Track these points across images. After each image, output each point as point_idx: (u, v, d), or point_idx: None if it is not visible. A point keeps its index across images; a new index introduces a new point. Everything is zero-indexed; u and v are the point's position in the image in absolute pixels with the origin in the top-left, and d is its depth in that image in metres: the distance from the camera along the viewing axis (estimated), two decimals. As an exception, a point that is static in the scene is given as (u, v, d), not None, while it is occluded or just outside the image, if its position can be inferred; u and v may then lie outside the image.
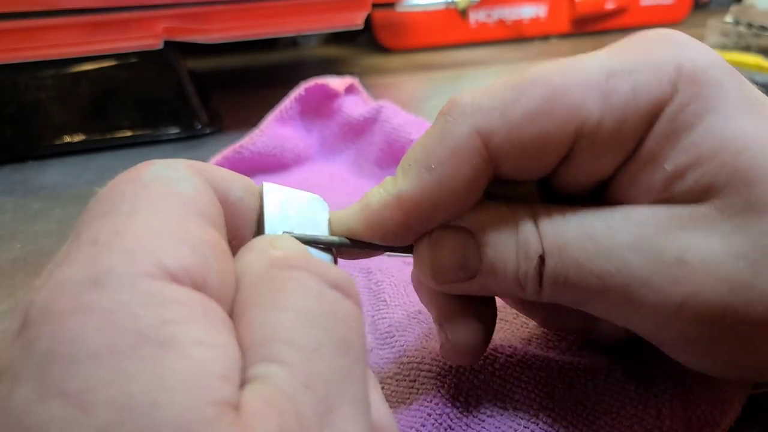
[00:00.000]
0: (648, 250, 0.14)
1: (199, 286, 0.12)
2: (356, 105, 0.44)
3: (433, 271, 0.17)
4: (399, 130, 0.40)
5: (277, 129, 0.43)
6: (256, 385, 0.11)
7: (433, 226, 0.17)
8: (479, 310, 0.19)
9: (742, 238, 0.14)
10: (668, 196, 0.15)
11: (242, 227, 0.16)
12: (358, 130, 0.43)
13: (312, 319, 0.12)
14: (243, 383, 0.11)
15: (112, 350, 0.10)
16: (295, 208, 0.17)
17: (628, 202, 0.16)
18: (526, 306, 0.22)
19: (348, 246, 0.17)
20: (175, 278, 0.11)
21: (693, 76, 0.15)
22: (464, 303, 0.18)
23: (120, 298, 0.10)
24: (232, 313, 0.12)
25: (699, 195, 0.15)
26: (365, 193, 0.17)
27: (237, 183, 0.16)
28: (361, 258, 0.19)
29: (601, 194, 0.17)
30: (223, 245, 0.13)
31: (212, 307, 0.11)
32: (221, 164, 0.40)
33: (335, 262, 0.17)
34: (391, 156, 0.41)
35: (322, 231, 0.17)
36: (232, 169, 0.46)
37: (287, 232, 0.16)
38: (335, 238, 0.17)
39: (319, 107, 0.45)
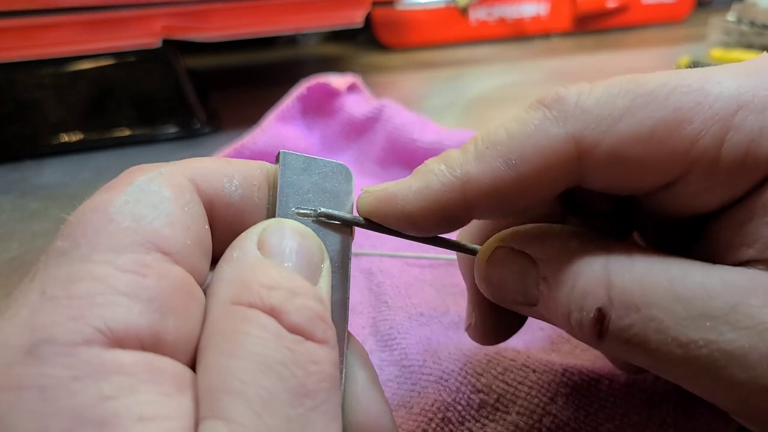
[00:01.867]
0: (746, 323, 0.13)
1: (150, 345, 0.11)
2: (358, 104, 0.44)
3: (492, 291, 0.16)
4: (401, 129, 0.40)
5: (278, 127, 0.43)
6: None
7: (495, 217, 0.15)
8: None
9: None
10: (760, 258, 0.13)
11: (250, 221, 0.14)
12: (360, 129, 0.43)
13: (266, 366, 0.11)
14: None
15: None
16: (314, 179, 0.15)
17: (726, 251, 0.14)
18: None
19: (365, 227, 0.16)
20: (120, 342, 0.10)
21: None
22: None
23: (56, 373, 0.10)
24: (196, 350, 0.12)
25: None
26: (420, 166, 0.15)
27: (236, 179, 0.14)
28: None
29: (695, 231, 0.15)
30: (188, 286, 0.12)
31: (163, 368, 0.11)
32: None
33: (352, 237, 0.16)
34: (393, 155, 0.40)
35: (343, 205, 0.16)
36: None
37: (300, 207, 0.15)
38: (351, 217, 0.15)
39: (321, 106, 0.45)
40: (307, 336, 0.12)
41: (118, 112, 0.51)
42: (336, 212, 0.15)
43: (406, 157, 0.39)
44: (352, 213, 0.16)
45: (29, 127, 0.49)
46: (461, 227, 0.16)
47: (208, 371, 0.11)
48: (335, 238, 0.15)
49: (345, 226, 0.16)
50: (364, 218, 0.16)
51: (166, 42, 0.48)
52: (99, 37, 0.47)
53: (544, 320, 0.16)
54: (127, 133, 0.51)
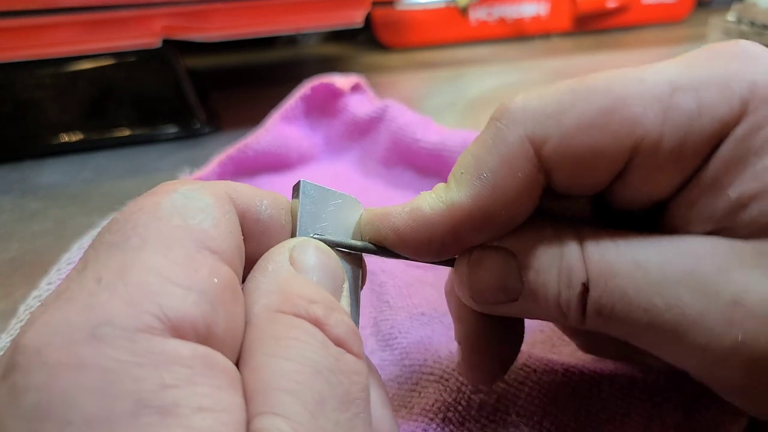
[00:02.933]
0: (702, 287, 0.13)
1: (203, 337, 0.11)
2: (362, 104, 0.44)
3: (473, 291, 0.17)
4: (404, 129, 0.40)
5: (282, 128, 0.43)
6: None
7: (483, 239, 0.16)
8: (505, 335, 0.18)
9: None
10: (729, 226, 0.14)
11: (275, 242, 0.15)
12: (364, 129, 0.43)
13: (316, 371, 0.12)
14: None
15: (108, 416, 0.09)
16: (329, 209, 0.16)
17: (686, 228, 0.15)
18: (567, 329, 0.21)
19: (373, 252, 0.17)
20: (177, 331, 0.11)
21: (767, 96, 0.13)
22: (491, 325, 0.18)
23: (119, 356, 0.10)
24: (239, 355, 0.12)
25: (764, 228, 0.13)
26: (413, 198, 0.17)
27: (266, 200, 0.15)
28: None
29: (657, 217, 0.16)
30: (234, 285, 0.13)
31: (216, 362, 0.11)
32: (226, 163, 0.40)
33: (363, 269, 0.17)
34: (396, 155, 0.40)
35: (354, 235, 0.17)
36: (235, 168, 0.45)
37: (317, 234, 0.16)
38: (359, 243, 0.17)
39: (325, 106, 0.45)
40: (347, 349, 0.13)
41: (118, 112, 0.51)
42: (349, 241, 0.16)
43: (409, 157, 0.39)
44: (361, 243, 0.17)
45: (29, 127, 0.49)
46: (451, 256, 0.17)
47: (260, 371, 0.11)
48: (346, 265, 0.16)
49: (355, 257, 0.17)
50: (370, 242, 0.17)
51: (166, 42, 0.48)
52: (99, 37, 0.47)
53: (525, 315, 0.17)
54: (127, 133, 0.51)
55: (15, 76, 0.47)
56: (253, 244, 0.15)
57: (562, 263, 0.15)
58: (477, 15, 0.84)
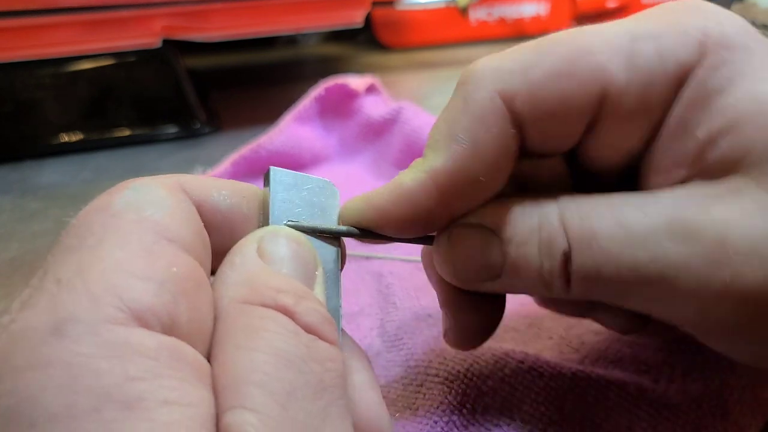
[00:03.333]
0: (684, 232, 0.13)
1: (167, 327, 0.11)
2: (376, 105, 0.44)
3: (456, 271, 0.17)
4: (419, 131, 0.39)
5: (295, 128, 0.42)
6: None
7: (467, 206, 0.16)
8: (486, 298, 0.18)
9: None
10: (702, 167, 0.14)
11: (240, 233, 0.15)
12: (378, 130, 0.43)
13: (286, 361, 0.11)
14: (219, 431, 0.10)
15: (72, 412, 0.09)
16: (303, 195, 0.16)
17: (662, 177, 0.15)
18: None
19: (356, 236, 0.17)
20: (141, 321, 0.11)
21: (721, 40, 0.14)
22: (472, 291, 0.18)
23: (82, 350, 0.10)
24: (209, 347, 0.12)
25: (734, 163, 0.13)
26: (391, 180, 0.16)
27: (224, 190, 0.15)
28: (376, 243, 0.18)
29: (634, 177, 0.16)
30: (198, 274, 0.13)
31: (183, 354, 0.11)
32: (239, 163, 0.40)
33: (342, 250, 0.17)
34: (410, 157, 0.40)
35: (330, 218, 0.16)
36: (248, 168, 0.45)
37: (291, 221, 0.16)
38: (342, 228, 0.16)
39: (339, 107, 0.44)
40: (319, 335, 0.13)
41: (118, 112, 0.51)
42: (325, 225, 0.16)
43: None
44: (338, 226, 0.17)
45: (29, 127, 0.49)
46: (437, 228, 0.17)
47: (228, 364, 0.11)
48: (325, 249, 0.16)
49: (333, 239, 0.16)
50: (349, 226, 0.17)
51: (166, 42, 0.48)
52: (99, 37, 0.47)
53: (510, 290, 0.17)
54: (127, 133, 0.51)
55: (15, 76, 0.47)
56: (218, 236, 0.15)
57: (542, 234, 0.15)
58: (477, 15, 0.84)
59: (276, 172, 0.16)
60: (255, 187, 0.16)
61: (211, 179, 0.15)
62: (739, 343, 0.15)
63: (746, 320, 0.14)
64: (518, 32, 0.86)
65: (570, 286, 0.15)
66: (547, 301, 0.21)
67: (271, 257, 0.14)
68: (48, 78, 0.48)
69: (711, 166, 0.14)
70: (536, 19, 0.86)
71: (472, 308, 0.18)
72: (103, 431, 0.09)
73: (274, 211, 0.15)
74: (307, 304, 0.13)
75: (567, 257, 0.15)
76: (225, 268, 0.13)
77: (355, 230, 0.17)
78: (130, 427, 0.09)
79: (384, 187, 0.16)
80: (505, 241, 0.16)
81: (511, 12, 0.85)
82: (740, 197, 0.13)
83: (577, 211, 0.15)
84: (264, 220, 0.16)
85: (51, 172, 0.47)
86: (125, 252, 0.11)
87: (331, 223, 0.16)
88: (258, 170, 0.41)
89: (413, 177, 0.15)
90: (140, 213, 0.12)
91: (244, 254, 0.13)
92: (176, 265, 0.12)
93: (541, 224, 0.15)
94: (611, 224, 0.14)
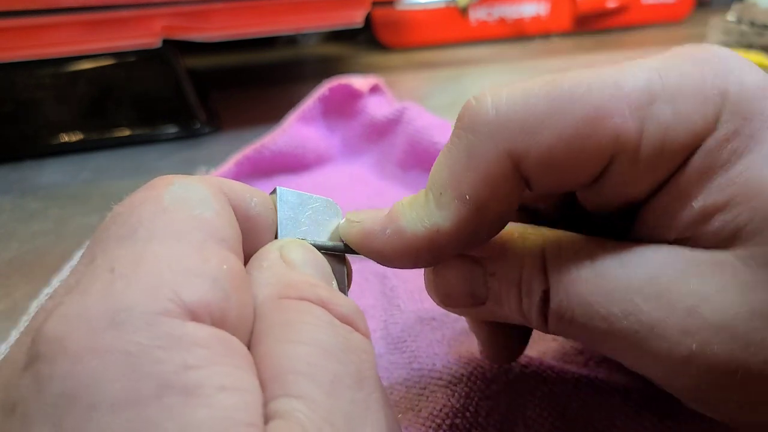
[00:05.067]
0: (659, 296, 0.14)
1: (218, 321, 0.11)
2: (380, 106, 0.44)
3: (441, 296, 0.17)
4: (422, 132, 0.39)
5: (299, 128, 0.42)
6: (279, 423, 0.10)
7: (466, 251, 0.16)
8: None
9: (763, 295, 0.13)
10: (692, 235, 0.14)
11: (261, 241, 0.15)
12: (382, 131, 0.43)
13: (327, 351, 0.12)
14: (266, 419, 0.11)
15: (134, 398, 0.09)
16: (308, 214, 0.17)
17: (652, 234, 0.15)
18: None
19: (353, 253, 0.17)
20: (195, 316, 0.11)
21: (737, 107, 0.13)
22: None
23: (140, 340, 0.10)
24: (249, 342, 0.12)
25: (725, 240, 0.13)
26: (392, 209, 0.16)
27: (255, 197, 0.15)
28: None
29: (626, 222, 0.16)
30: (242, 272, 0.13)
31: (233, 344, 0.11)
32: (242, 163, 0.40)
33: (348, 270, 0.17)
34: (413, 158, 0.40)
35: (334, 236, 0.17)
36: (252, 168, 0.45)
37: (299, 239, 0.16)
38: (341, 245, 0.17)
39: (343, 107, 0.44)
40: (354, 327, 0.13)
41: (118, 112, 0.51)
42: (331, 243, 0.17)
43: (426, 160, 0.39)
44: (342, 243, 0.17)
45: (29, 127, 0.49)
46: (433, 266, 0.17)
47: (271, 357, 0.11)
48: (332, 266, 0.16)
49: (339, 258, 0.17)
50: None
51: (166, 42, 0.48)
52: (99, 37, 0.47)
53: (493, 318, 0.17)
54: (127, 133, 0.51)
55: (15, 76, 0.47)
56: (244, 241, 0.15)
57: (524, 272, 0.15)
58: (477, 15, 0.84)
59: (282, 192, 0.16)
60: (274, 199, 0.16)
61: (244, 186, 0.15)
62: (704, 406, 0.15)
63: (709, 388, 0.14)
64: (518, 32, 0.86)
65: (547, 325, 0.16)
66: None
67: (294, 263, 0.14)
68: (48, 78, 0.48)
69: (701, 237, 0.14)
70: (536, 19, 0.86)
71: (498, 329, 0.18)
72: (166, 416, 0.09)
73: (281, 229, 0.16)
74: (338, 296, 0.13)
75: (546, 296, 0.15)
76: (252, 271, 0.14)
77: (352, 250, 0.17)
78: (191, 412, 0.09)
79: (383, 227, 0.16)
80: (489, 273, 0.16)
81: (511, 12, 0.85)
82: (722, 272, 0.13)
83: (560, 255, 0.15)
84: (274, 233, 0.16)
85: (51, 172, 0.47)
86: (179, 248, 0.12)
87: (335, 241, 0.17)
88: (261, 170, 0.41)
89: (414, 229, 0.15)
90: (190, 211, 0.13)
91: (269, 259, 0.14)
92: (226, 263, 0.12)
93: (523, 262, 0.16)
94: (591, 273, 0.14)
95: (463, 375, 0.21)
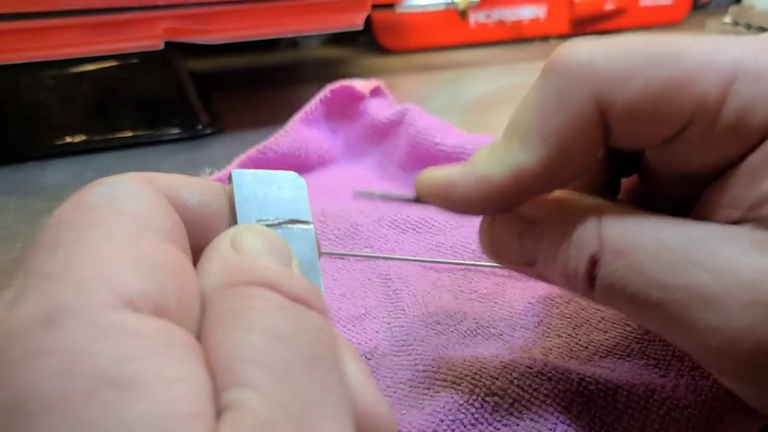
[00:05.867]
0: (722, 270, 0.13)
1: (158, 311, 0.11)
2: (381, 108, 0.44)
3: (492, 252, 0.18)
4: (423, 133, 0.40)
5: (302, 130, 0.43)
6: (230, 414, 0.10)
7: (546, 192, 0.17)
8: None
9: None
10: (756, 217, 0.14)
11: (214, 230, 0.15)
12: (383, 132, 0.43)
13: (278, 336, 0.11)
14: (218, 411, 0.10)
15: (68, 397, 0.09)
16: (270, 191, 0.16)
17: (713, 213, 0.15)
18: None
19: (413, 200, 0.17)
20: (132, 306, 0.11)
21: None
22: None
23: (76, 336, 0.10)
24: (199, 334, 0.12)
25: None
26: (473, 158, 0.16)
27: (192, 187, 0.15)
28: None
29: (689, 199, 0.16)
30: (181, 261, 0.13)
31: (175, 333, 0.11)
32: (245, 164, 0.40)
33: (316, 239, 0.17)
34: (415, 159, 0.40)
35: (301, 211, 0.17)
36: (255, 169, 0.44)
37: (261, 220, 0.16)
38: (307, 218, 0.17)
39: (345, 109, 0.45)
40: (307, 304, 0.13)
41: (121, 114, 0.51)
42: (297, 216, 0.16)
43: (428, 161, 0.39)
44: (310, 216, 0.17)
45: (33, 129, 0.49)
46: (516, 208, 0.17)
47: (221, 347, 0.11)
48: (300, 241, 0.16)
49: (306, 231, 0.17)
50: (417, 197, 0.17)
51: (168, 44, 0.48)
52: (102, 40, 0.47)
53: (542, 279, 0.18)
54: (129, 134, 0.52)
55: (19, 78, 0.47)
56: (191, 235, 0.15)
57: (575, 235, 0.16)
58: (476, 18, 0.85)
59: (238, 174, 0.16)
60: (223, 186, 0.16)
61: (178, 177, 0.15)
62: (748, 389, 0.15)
63: (757, 368, 0.14)
64: (517, 35, 0.87)
65: (593, 290, 0.15)
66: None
67: (246, 250, 0.14)
68: (51, 80, 0.48)
69: (764, 219, 0.14)
70: (535, 21, 0.86)
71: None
72: (102, 412, 0.09)
73: (241, 211, 0.16)
74: (290, 275, 0.13)
75: (595, 261, 0.15)
76: (203, 263, 0.13)
77: (411, 196, 0.17)
78: (129, 406, 0.09)
79: (467, 174, 0.16)
80: (541, 234, 0.16)
81: (510, 15, 0.86)
82: None
83: (619, 223, 0.15)
84: (233, 222, 0.16)
85: (54, 173, 0.47)
86: (109, 242, 0.11)
87: (304, 215, 0.17)
88: None
89: (500, 171, 0.16)
90: (118, 206, 0.12)
91: (219, 250, 0.14)
92: (160, 252, 0.12)
93: (577, 226, 0.16)
94: (652, 242, 0.14)
95: (467, 375, 0.21)
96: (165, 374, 0.10)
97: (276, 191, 0.16)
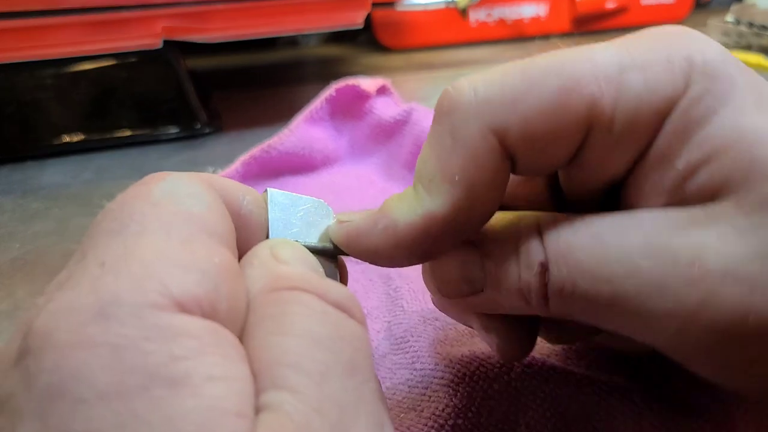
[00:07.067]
0: (661, 252, 0.14)
1: (208, 313, 0.11)
2: (387, 106, 0.44)
3: (438, 284, 0.17)
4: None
5: (306, 129, 0.42)
6: (268, 416, 0.10)
7: (459, 240, 0.16)
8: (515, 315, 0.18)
9: (762, 236, 0.13)
10: (681, 197, 0.14)
11: (253, 240, 0.15)
12: (389, 132, 0.43)
13: (318, 342, 0.12)
14: (257, 411, 0.11)
15: (120, 390, 0.09)
16: (299, 215, 0.17)
17: (641, 205, 0.15)
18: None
19: (342, 254, 0.17)
20: (183, 308, 0.11)
21: (705, 70, 0.14)
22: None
23: (127, 333, 0.10)
24: (242, 335, 0.12)
25: (713, 193, 0.14)
26: (383, 206, 0.16)
27: (247, 195, 0.15)
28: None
29: (613, 201, 0.16)
30: (234, 265, 0.13)
31: (223, 335, 0.11)
32: (249, 163, 0.40)
33: (342, 270, 0.17)
34: None
35: (325, 237, 0.17)
36: (259, 169, 0.45)
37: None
38: (329, 247, 0.17)
39: (350, 108, 0.44)
40: (348, 313, 0.13)
41: (120, 113, 0.51)
42: (319, 244, 0.17)
43: None
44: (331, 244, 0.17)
45: (31, 128, 0.49)
46: (430, 261, 0.17)
47: (261, 350, 0.11)
48: (323, 268, 0.16)
49: (331, 260, 0.17)
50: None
51: (167, 43, 0.48)
52: (100, 38, 0.47)
53: (492, 307, 0.17)
54: (128, 133, 0.52)
55: (17, 77, 0.47)
56: (236, 239, 0.15)
57: (521, 246, 0.15)
58: (477, 16, 0.85)
59: (273, 194, 0.16)
60: (263, 198, 0.16)
61: (236, 183, 0.15)
62: (715, 369, 0.15)
63: (721, 343, 0.14)
64: (518, 33, 0.86)
65: (548, 301, 0.15)
66: (549, 333, 0.21)
67: (285, 259, 0.14)
68: (50, 79, 0.48)
69: (690, 196, 0.14)
70: (535, 20, 0.86)
71: (505, 325, 0.18)
72: (153, 407, 0.09)
73: (272, 231, 0.16)
74: (331, 283, 0.13)
75: (545, 268, 0.15)
76: (244, 269, 0.14)
77: (341, 251, 0.17)
78: (179, 403, 0.09)
79: (375, 222, 0.16)
80: (485, 256, 0.16)
81: (511, 13, 0.85)
82: (718, 222, 0.13)
83: (556, 227, 0.15)
84: (266, 236, 0.16)
85: (52, 173, 0.47)
86: (168, 242, 0.12)
87: (326, 242, 0.17)
88: (269, 171, 0.41)
89: (408, 219, 0.15)
90: (180, 204, 0.13)
91: (260, 256, 0.14)
92: (216, 255, 0.12)
93: (519, 237, 0.16)
94: (589, 239, 0.14)
95: (465, 375, 0.21)
96: (212, 373, 0.10)
97: (304, 216, 0.17)
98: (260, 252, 0.14)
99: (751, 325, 0.13)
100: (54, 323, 0.10)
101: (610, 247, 0.14)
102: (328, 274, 0.16)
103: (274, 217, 0.16)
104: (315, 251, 0.16)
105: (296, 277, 0.13)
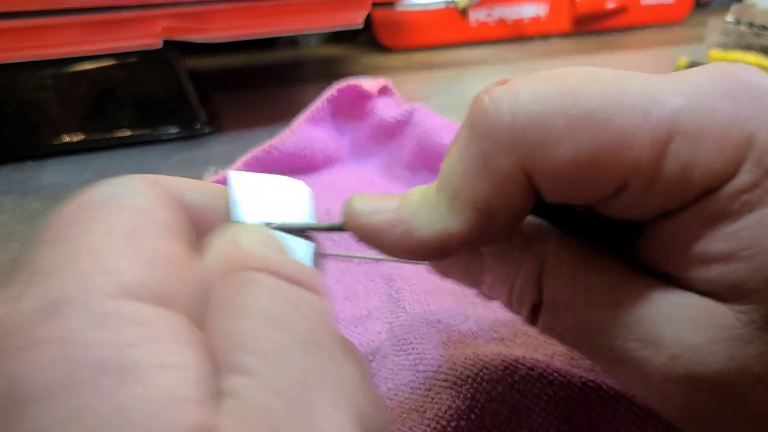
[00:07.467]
0: (646, 338, 0.14)
1: (160, 301, 0.11)
2: (389, 107, 0.43)
3: (440, 270, 0.18)
4: (431, 133, 0.39)
5: (308, 129, 0.42)
6: (226, 401, 0.10)
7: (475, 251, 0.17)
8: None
9: (753, 352, 0.13)
10: (688, 276, 0.14)
11: (212, 229, 0.15)
12: (390, 132, 0.43)
13: (273, 321, 0.11)
14: (217, 397, 0.10)
15: (67, 384, 0.09)
16: (270, 196, 0.16)
17: (652, 257, 0.15)
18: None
19: (327, 230, 0.17)
20: (133, 295, 0.11)
21: (762, 158, 0.13)
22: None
23: (75, 325, 0.10)
24: (203, 322, 0.12)
25: (722, 291, 0.13)
26: (403, 206, 0.16)
27: (194, 187, 0.15)
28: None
29: (636, 231, 0.16)
30: (185, 253, 0.13)
31: (176, 322, 0.11)
32: (251, 163, 0.40)
33: (320, 248, 0.17)
34: (422, 160, 0.40)
35: (304, 217, 0.17)
36: (260, 169, 0.45)
37: (255, 224, 0.16)
38: (301, 225, 0.16)
39: (352, 108, 0.44)
40: (305, 285, 0.12)
41: (120, 113, 0.51)
42: (289, 223, 0.16)
43: (435, 161, 0.39)
44: (312, 222, 0.17)
45: (31, 128, 0.49)
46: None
47: (219, 334, 0.11)
48: (302, 246, 0.16)
49: (305, 238, 0.16)
50: (331, 223, 0.17)
51: (167, 43, 0.48)
52: (100, 38, 0.47)
53: (486, 298, 0.18)
54: (128, 133, 0.51)
55: (17, 77, 0.47)
56: (196, 234, 0.15)
57: (516, 283, 0.16)
58: (477, 16, 0.85)
59: (234, 176, 0.16)
60: (223, 188, 0.16)
61: (181, 179, 0.15)
62: (687, 421, 0.15)
63: (692, 398, 0.14)
64: (518, 33, 0.86)
65: (536, 327, 0.16)
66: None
67: (242, 244, 0.14)
68: (50, 79, 0.48)
69: (697, 281, 0.14)
70: (535, 20, 0.86)
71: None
72: (101, 398, 0.09)
73: (234, 213, 0.16)
74: (286, 260, 0.13)
75: (536, 310, 0.16)
76: (203, 258, 0.13)
77: (330, 226, 0.17)
78: (128, 391, 0.09)
79: (393, 225, 0.16)
80: (486, 269, 0.17)
81: (511, 13, 0.85)
82: (713, 324, 0.13)
83: (556, 270, 0.15)
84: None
85: (52, 173, 0.47)
86: (110, 236, 0.12)
87: (307, 221, 0.16)
88: (270, 171, 0.41)
89: (427, 232, 0.15)
90: (120, 202, 0.12)
91: (217, 241, 0.14)
92: (162, 245, 0.12)
93: (520, 274, 0.16)
94: (582, 303, 0.15)
95: (468, 377, 0.21)
96: (163, 360, 0.10)
97: (276, 196, 0.16)
98: (217, 237, 0.14)
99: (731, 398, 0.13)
100: (7, 336, 0.10)
101: (602, 320, 0.15)
102: (301, 253, 0.16)
103: (237, 200, 0.16)
104: (287, 230, 0.16)
105: (249, 257, 0.13)
